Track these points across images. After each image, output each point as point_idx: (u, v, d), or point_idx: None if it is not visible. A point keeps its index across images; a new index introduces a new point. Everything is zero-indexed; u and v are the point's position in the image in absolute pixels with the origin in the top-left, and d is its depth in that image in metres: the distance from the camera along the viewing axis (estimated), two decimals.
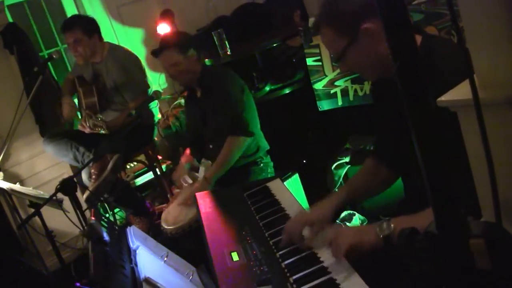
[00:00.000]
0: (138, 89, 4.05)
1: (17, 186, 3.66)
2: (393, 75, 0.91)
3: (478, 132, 0.95)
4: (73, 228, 3.24)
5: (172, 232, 2.78)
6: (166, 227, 2.83)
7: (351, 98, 3.69)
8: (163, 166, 4.69)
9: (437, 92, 1.21)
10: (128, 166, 4.89)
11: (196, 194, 2.59)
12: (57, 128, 4.44)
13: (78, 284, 2.81)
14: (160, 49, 3.21)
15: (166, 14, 5.05)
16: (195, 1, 5.45)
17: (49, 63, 4.37)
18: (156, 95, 3.50)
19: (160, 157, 4.64)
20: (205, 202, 2.50)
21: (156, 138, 4.45)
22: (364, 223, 3.20)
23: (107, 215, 4.41)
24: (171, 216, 2.91)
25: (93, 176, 3.89)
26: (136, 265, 1.74)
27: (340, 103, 3.78)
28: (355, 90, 3.65)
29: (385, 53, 1.52)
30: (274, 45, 4.51)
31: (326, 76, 3.81)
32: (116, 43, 4.76)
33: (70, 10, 5.06)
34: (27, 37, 4.50)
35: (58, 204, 3.09)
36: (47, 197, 3.09)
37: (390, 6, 0.88)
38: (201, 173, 3.23)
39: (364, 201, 3.19)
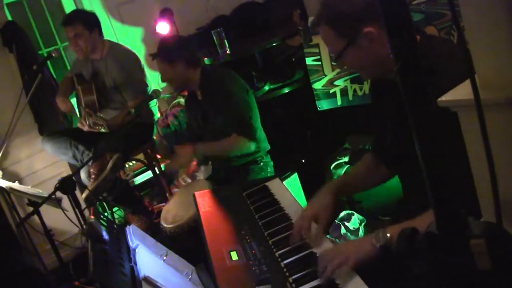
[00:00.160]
0: (137, 88, 4.05)
1: (16, 185, 3.66)
2: (392, 75, 0.91)
3: (478, 132, 0.95)
4: (72, 226, 3.24)
5: (172, 231, 2.78)
6: (165, 225, 2.83)
7: (350, 97, 3.69)
8: (162, 165, 4.69)
9: (434, 93, 1.21)
10: (127, 165, 4.89)
11: (196, 193, 2.59)
12: (56, 127, 4.44)
13: (76, 283, 2.81)
14: (153, 56, 3.28)
15: (166, 13, 5.04)
16: (195, 0, 5.45)
17: (48, 62, 4.37)
18: (156, 94, 3.50)
19: (159, 156, 4.64)
20: (204, 201, 2.50)
21: (155, 137, 4.45)
22: (363, 223, 3.20)
23: (105, 214, 4.41)
24: (171, 214, 2.90)
25: (93, 176, 3.89)
26: (135, 264, 1.74)
27: (339, 102, 3.78)
28: (354, 90, 3.65)
29: (384, 55, 1.53)
30: (274, 44, 4.51)
31: (326, 75, 3.81)
32: (116, 41, 4.75)
33: (69, 8, 5.04)
34: (26, 36, 4.49)
35: (57, 202, 3.09)
36: (46, 195, 3.09)
37: (393, 6, 0.88)
38: (201, 173, 3.22)
39: (357, 193, 3.21)
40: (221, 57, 4.45)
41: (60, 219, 3.18)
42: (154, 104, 4.29)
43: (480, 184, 1.21)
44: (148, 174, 4.93)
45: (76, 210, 3.10)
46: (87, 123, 3.92)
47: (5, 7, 4.56)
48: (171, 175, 3.75)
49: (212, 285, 1.85)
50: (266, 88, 4.54)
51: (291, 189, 2.50)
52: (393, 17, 0.90)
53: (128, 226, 2.05)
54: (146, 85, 4.10)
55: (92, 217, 1.98)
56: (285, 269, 1.73)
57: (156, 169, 4.47)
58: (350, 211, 3.24)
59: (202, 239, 2.11)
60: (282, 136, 4.33)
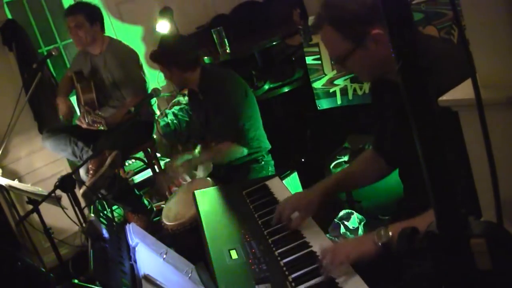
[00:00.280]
0: (136, 86, 4.05)
1: (15, 183, 3.65)
2: (392, 75, 0.91)
3: (479, 131, 0.95)
4: (71, 225, 3.24)
5: (173, 228, 2.78)
6: (167, 223, 2.83)
7: (350, 97, 3.69)
8: (162, 164, 4.69)
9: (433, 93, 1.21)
10: (126, 164, 4.89)
11: (195, 191, 2.59)
12: (56, 124, 4.44)
13: (76, 281, 2.81)
14: (151, 58, 3.32)
15: (166, 12, 5.04)
16: None
17: (48, 60, 4.37)
18: (155, 92, 3.50)
19: (158, 155, 4.64)
20: (204, 200, 2.50)
21: (154, 136, 4.45)
22: (363, 223, 3.20)
23: (105, 212, 4.40)
24: (172, 212, 2.91)
25: (91, 172, 3.89)
26: (135, 262, 1.74)
27: (339, 102, 3.78)
28: (354, 89, 3.65)
29: (386, 56, 1.51)
30: (274, 43, 4.51)
31: (326, 75, 3.81)
32: (115, 38, 4.75)
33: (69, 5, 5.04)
34: (26, 34, 4.49)
35: (57, 200, 3.09)
36: (46, 193, 3.09)
37: (394, 5, 0.88)
38: (200, 172, 3.23)
39: (356, 190, 3.22)
40: (220, 56, 4.45)
41: (60, 217, 3.18)
42: (153, 103, 4.29)
43: (481, 183, 1.21)
44: (148, 173, 4.93)
45: (76, 208, 3.10)
46: (86, 121, 3.92)
47: (5, 6, 4.55)
48: (161, 189, 3.77)
49: (212, 283, 1.85)
50: (266, 87, 4.54)
51: (290, 188, 2.50)
52: (395, 16, 0.90)
53: (128, 224, 2.05)
54: (145, 82, 4.11)
55: (92, 215, 1.98)
56: (284, 268, 1.74)
57: (155, 167, 4.47)
58: (349, 210, 3.24)
59: (202, 238, 2.11)
60: (281, 135, 4.33)
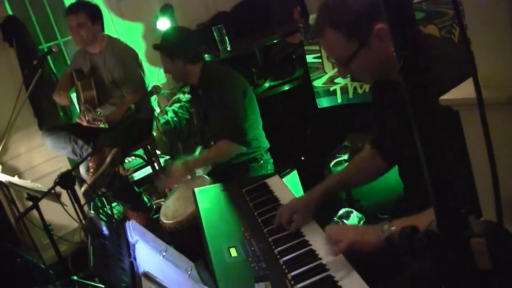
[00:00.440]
0: (135, 84, 4.06)
1: (15, 179, 3.66)
2: (393, 76, 0.91)
3: (480, 131, 0.95)
4: (71, 221, 3.24)
5: (171, 227, 2.78)
6: (165, 221, 2.83)
7: (350, 95, 3.69)
8: (161, 161, 4.69)
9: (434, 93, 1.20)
10: (126, 161, 4.89)
11: (195, 189, 2.59)
12: (56, 121, 4.44)
13: (75, 277, 2.81)
14: (155, 48, 3.33)
15: (166, 9, 5.04)
16: None
17: (48, 57, 4.36)
18: (155, 89, 3.50)
19: (158, 152, 4.64)
20: (203, 197, 2.50)
21: (154, 133, 4.45)
22: (362, 221, 3.20)
23: (105, 209, 4.41)
24: (171, 210, 2.90)
25: (91, 170, 3.89)
26: (135, 259, 1.74)
27: (339, 100, 3.78)
28: (355, 88, 3.65)
29: (390, 55, 1.50)
30: (274, 41, 4.51)
31: (326, 73, 3.81)
32: (114, 36, 4.75)
33: (70, 3, 5.03)
34: (26, 30, 4.48)
35: (56, 197, 3.09)
36: (45, 190, 3.09)
37: (397, 3, 0.88)
38: (199, 170, 3.23)
39: (356, 188, 3.22)
40: (221, 54, 4.45)
41: (59, 214, 3.19)
42: (153, 100, 4.29)
43: (481, 183, 1.21)
44: (148, 170, 4.93)
45: (75, 205, 3.10)
46: (86, 118, 3.92)
47: (6, 2, 4.54)
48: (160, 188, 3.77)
49: (211, 281, 1.86)
50: (266, 85, 4.54)
51: (290, 186, 2.51)
52: (396, 14, 0.89)
53: (128, 222, 2.05)
54: (144, 80, 4.11)
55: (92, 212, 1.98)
56: (284, 266, 1.74)
57: (155, 165, 4.47)
58: (349, 209, 3.24)
59: (202, 236, 2.11)
60: (282, 133, 4.33)
